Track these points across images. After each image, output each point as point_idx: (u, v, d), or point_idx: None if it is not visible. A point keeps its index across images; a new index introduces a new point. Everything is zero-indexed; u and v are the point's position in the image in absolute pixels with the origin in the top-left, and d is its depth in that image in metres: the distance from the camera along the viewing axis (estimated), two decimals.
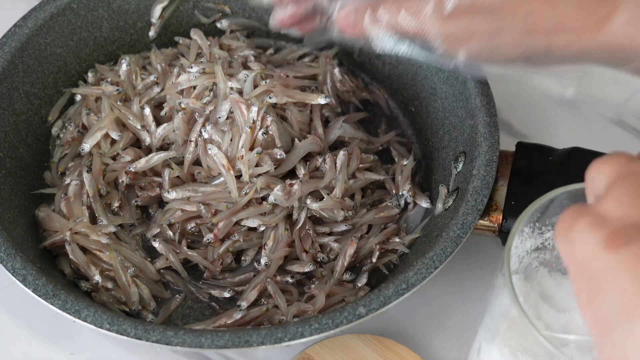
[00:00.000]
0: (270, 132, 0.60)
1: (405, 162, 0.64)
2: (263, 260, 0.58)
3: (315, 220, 0.61)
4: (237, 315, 0.56)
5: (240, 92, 0.62)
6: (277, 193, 0.59)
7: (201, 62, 0.65)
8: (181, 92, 0.63)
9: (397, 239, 0.60)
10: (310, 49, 0.71)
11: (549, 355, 0.41)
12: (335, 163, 0.61)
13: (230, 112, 0.61)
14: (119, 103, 0.64)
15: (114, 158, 0.62)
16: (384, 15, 0.49)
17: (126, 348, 0.57)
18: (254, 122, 0.60)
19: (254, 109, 0.60)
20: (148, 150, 0.63)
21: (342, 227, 0.60)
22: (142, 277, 0.58)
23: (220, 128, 0.61)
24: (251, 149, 0.60)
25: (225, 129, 0.61)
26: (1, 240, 0.54)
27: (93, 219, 0.59)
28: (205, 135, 0.61)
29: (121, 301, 0.57)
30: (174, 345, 0.50)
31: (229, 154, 0.60)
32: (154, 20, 0.69)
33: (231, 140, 0.60)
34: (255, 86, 0.62)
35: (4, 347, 0.57)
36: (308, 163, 0.62)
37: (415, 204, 0.62)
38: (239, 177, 0.60)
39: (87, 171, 0.60)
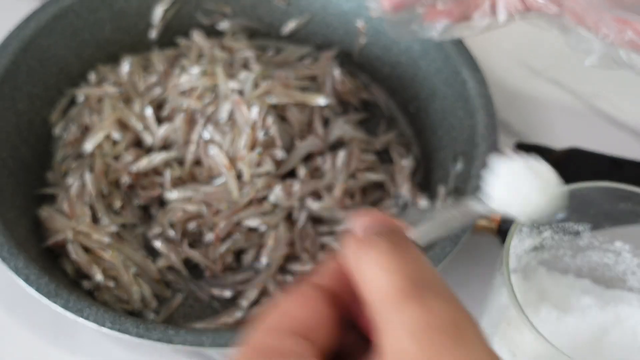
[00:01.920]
0: (271, 133, 0.61)
1: (404, 162, 0.64)
2: (264, 260, 0.59)
3: (316, 220, 0.61)
4: (238, 314, 0.57)
5: (241, 93, 0.62)
6: (277, 193, 0.59)
7: (202, 63, 0.65)
8: (182, 93, 0.64)
9: None
10: (310, 50, 0.71)
11: (548, 354, 0.41)
12: (335, 163, 0.62)
13: (231, 112, 0.61)
14: (120, 104, 0.64)
15: (115, 158, 0.62)
16: None
17: (128, 347, 0.57)
18: (254, 122, 0.60)
19: (255, 109, 0.61)
20: (149, 151, 0.63)
21: (342, 227, 0.61)
22: (143, 276, 0.58)
23: (221, 129, 0.61)
24: (252, 149, 0.60)
25: (226, 129, 0.61)
26: (4, 240, 0.54)
27: (95, 219, 0.60)
28: (206, 136, 0.61)
29: (123, 300, 0.57)
30: (175, 344, 0.50)
31: (230, 155, 0.60)
32: (155, 21, 0.70)
33: (232, 140, 0.60)
34: (255, 87, 0.62)
35: (6, 346, 0.58)
36: (308, 163, 0.62)
37: (414, 204, 0.63)
38: (239, 177, 0.60)
39: (89, 171, 0.60)
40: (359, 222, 0.27)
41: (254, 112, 0.61)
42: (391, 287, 0.24)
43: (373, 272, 0.25)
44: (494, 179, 0.32)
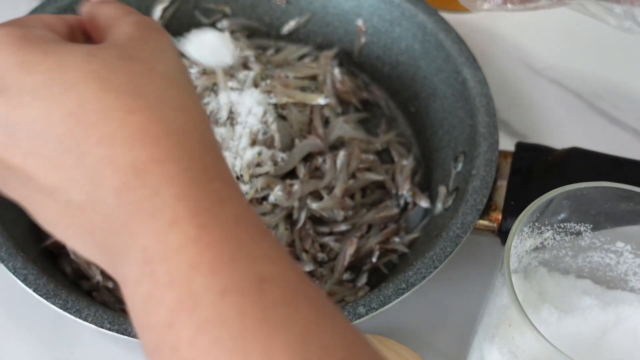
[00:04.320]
0: (271, 132, 0.61)
1: (405, 162, 0.64)
2: None
3: (316, 220, 0.61)
4: None
5: (241, 92, 0.62)
6: (277, 193, 0.59)
7: None
8: None
9: (397, 239, 0.60)
10: (310, 49, 0.71)
11: (548, 354, 0.41)
12: (335, 163, 0.62)
13: (231, 112, 0.61)
14: None
15: None
16: None
17: (127, 347, 0.57)
18: (254, 122, 0.60)
19: (254, 109, 0.61)
20: None
21: (342, 227, 0.61)
22: None
23: (220, 128, 0.61)
24: (251, 148, 0.60)
25: (225, 129, 0.61)
26: (2, 240, 0.54)
27: None
28: None
29: (122, 301, 0.57)
30: None
31: (229, 155, 0.60)
32: None
33: (231, 140, 0.60)
34: (255, 86, 0.62)
35: (5, 347, 0.58)
36: (308, 163, 0.62)
37: (415, 204, 0.63)
38: (239, 177, 0.60)
39: None
40: None
41: (254, 111, 0.60)
42: (119, 10, 0.39)
43: (107, 8, 0.39)
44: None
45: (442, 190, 0.61)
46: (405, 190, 0.63)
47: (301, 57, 0.70)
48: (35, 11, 0.64)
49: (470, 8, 0.52)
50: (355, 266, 0.60)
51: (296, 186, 0.60)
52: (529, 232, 0.48)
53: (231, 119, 0.61)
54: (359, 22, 0.70)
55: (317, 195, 0.61)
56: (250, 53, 0.67)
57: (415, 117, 0.68)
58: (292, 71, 0.66)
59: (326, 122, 0.65)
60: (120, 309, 0.56)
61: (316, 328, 0.29)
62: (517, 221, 0.46)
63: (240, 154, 0.60)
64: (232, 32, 0.71)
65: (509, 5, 0.51)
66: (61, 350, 0.57)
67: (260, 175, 0.60)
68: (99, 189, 0.32)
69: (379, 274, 0.60)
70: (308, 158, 0.63)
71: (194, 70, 0.63)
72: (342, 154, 0.62)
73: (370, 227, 0.61)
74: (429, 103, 0.66)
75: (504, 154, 0.60)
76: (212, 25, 0.71)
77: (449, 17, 0.67)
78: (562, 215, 0.49)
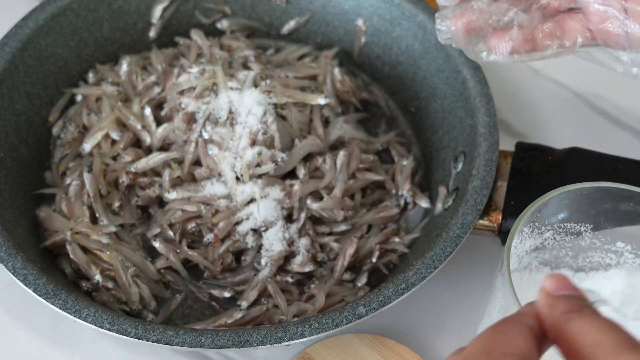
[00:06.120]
0: (271, 132, 0.60)
1: (405, 162, 0.64)
2: (263, 260, 0.58)
3: (315, 220, 0.61)
4: (238, 315, 0.56)
5: (240, 92, 0.62)
6: (277, 193, 0.59)
7: (201, 62, 0.65)
8: (181, 92, 0.64)
9: (396, 239, 0.60)
10: (310, 49, 0.71)
11: (548, 354, 0.41)
12: (335, 163, 0.62)
13: (230, 112, 0.61)
14: (119, 103, 0.64)
15: (114, 158, 0.62)
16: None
17: (127, 347, 0.57)
18: (254, 121, 0.60)
19: (254, 109, 0.60)
20: (148, 151, 0.63)
21: (342, 227, 0.61)
22: (142, 277, 0.58)
23: (221, 128, 0.61)
24: (251, 148, 0.60)
25: (225, 129, 0.61)
26: (2, 240, 0.54)
27: (94, 219, 0.59)
28: (206, 136, 0.61)
29: (122, 301, 0.57)
30: (174, 345, 0.50)
31: (229, 155, 0.60)
32: (154, 20, 0.69)
33: (231, 140, 0.60)
34: (255, 86, 0.62)
35: (5, 347, 0.57)
36: (308, 163, 0.62)
37: (415, 204, 0.63)
38: (239, 177, 0.60)
39: (88, 171, 0.60)
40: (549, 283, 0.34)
41: (254, 111, 0.60)
42: (612, 342, 0.32)
43: (591, 330, 0.32)
44: None
45: (442, 190, 0.61)
46: (405, 190, 0.63)
47: (301, 57, 0.70)
48: (35, 11, 0.64)
49: (477, 60, 0.53)
50: (355, 266, 0.60)
51: (296, 186, 0.60)
52: (529, 232, 0.48)
53: (231, 118, 0.61)
54: (359, 22, 0.70)
55: (317, 195, 0.61)
56: (250, 53, 0.67)
57: (415, 117, 0.68)
58: (292, 71, 0.66)
59: (326, 122, 0.65)
60: (119, 309, 0.56)
61: None
62: (517, 221, 0.46)
63: (240, 154, 0.60)
64: (232, 32, 0.71)
65: (515, 56, 0.51)
66: (61, 350, 0.57)
67: (260, 175, 0.60)
68: None
69: (379, 274, 0.60)
70: (308, 158, 0.63)
71: (194, 70, 0.63)
72: (342, 154, 0.62)
73: (370, 227, 0.61)
74: (429, 103, 0.66)
75: (504, 154, 0.60)
76: (211, 25, 0.71)
77: None
78: (562, 215, 0.49)
